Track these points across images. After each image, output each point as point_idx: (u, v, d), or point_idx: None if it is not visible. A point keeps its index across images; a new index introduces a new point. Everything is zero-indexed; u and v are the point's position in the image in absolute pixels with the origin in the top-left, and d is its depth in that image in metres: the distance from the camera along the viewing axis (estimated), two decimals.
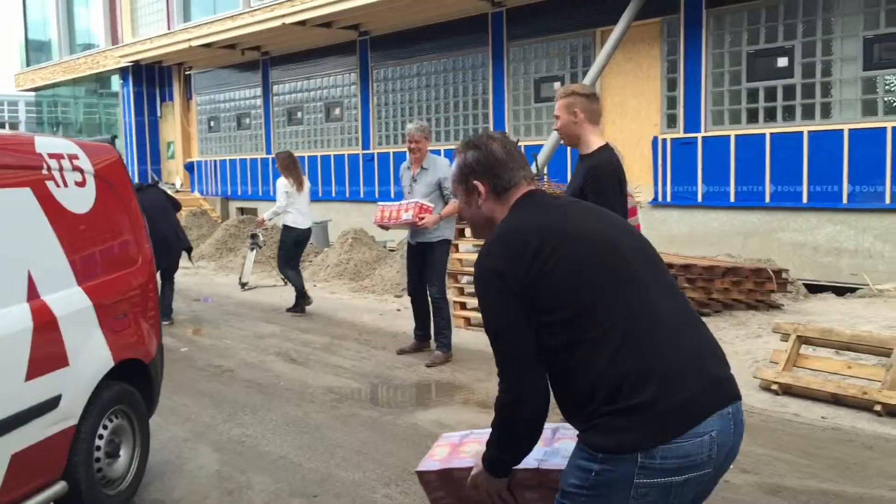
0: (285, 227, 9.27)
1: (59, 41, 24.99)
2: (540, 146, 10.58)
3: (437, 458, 2.52)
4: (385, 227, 7.12)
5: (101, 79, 23.60)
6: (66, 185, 3.82)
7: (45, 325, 3.50)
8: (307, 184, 9.46)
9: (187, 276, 11.67)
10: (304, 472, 4.57)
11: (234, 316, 9.37)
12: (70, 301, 3.72)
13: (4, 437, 3.25)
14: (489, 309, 2.11)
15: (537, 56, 12.61)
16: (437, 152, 12.37)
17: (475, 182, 2.26)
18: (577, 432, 2.08)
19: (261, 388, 6.29)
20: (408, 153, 7.19)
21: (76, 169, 3.93)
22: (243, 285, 11.31)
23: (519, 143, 11.40)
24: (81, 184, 3.96)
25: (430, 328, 7.16)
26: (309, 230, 9.50)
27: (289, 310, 9.32)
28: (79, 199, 3.92)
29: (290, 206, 9.13)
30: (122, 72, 21.39)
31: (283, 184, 9.21)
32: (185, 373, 6.64)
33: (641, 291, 2.06)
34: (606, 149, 4.32)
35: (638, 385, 1.95)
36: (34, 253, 3.58)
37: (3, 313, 3.31)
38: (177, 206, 9.16)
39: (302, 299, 9.31)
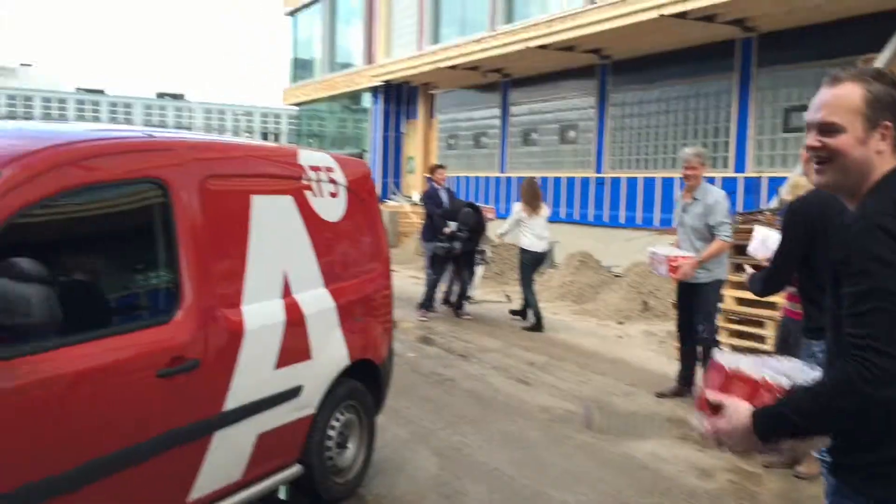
0: (522, 250, 9.67)
1: (321, 60, 27.17)
2: (784, 178, 10.01)
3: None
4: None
5: (354, 95, 25.35)
6: (321, 195, 4.20)
7: (295, 320, 3.88)
8: (544, 210, 9.90)
9: (418, 284, 12.23)
10: (516, 487, 4.67)
11: (460, 328, 9.71)
12: (317, 301, 4.08)
13: (254, 417, 3.64)
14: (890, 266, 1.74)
15: (789, 84, 11.94)
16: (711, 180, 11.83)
17: (887, 122, 1.89)
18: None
19: (480, 399, 6.47)
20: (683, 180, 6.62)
21: (331, 181, 4.31)
22: (468, 298, 11.66)
23: (761, 175, 10.90)
24: (335, 195, 4.33)
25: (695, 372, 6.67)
26: (542, 253, 9.99)
27: (524, 327, 9.71)
28: (331, 208, 4.29)
29: (524, 229, 9.54)
30: (374, 90, 22.85)
31: (516, 209, 9.84)
32: (410, 378, 6.99)
33: None
34: None
35: None
36: (290, 255, 3.98)
37: (263, 306, 3.70)
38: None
39: (538, 321, 9.65)
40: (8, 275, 2.52)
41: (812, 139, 1.94)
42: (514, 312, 10.19)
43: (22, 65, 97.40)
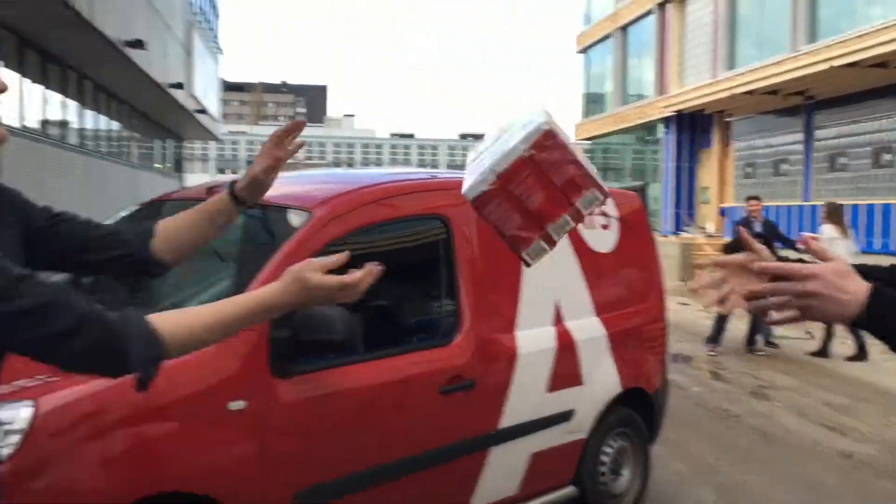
0: None
1: (612, 94, 27.36)
2: None
3: None
4: None
5: (648, 127, 25.15)
6: (593, 227, 4.37)
7: (566, 347, 4.07)
8: (850, 232, 9.78)
9: (708, 319, 11.85)
10: None
11: (752, 364, 9.26)
12: (588, 329, 4.24)
13: (527, 436, 3.88)
14: None
15: None
16: None
17: None
18: None
19: (767, 438, 6.18)
20: None
21: (603, 213, 4.47)
22: (767, 335, 11.05)
23: None
24: (606, 227, 4.48)
25: None
26: None
27: (847, 358, 9.31)
28: (603, 240, 4.44)
29: (839, 250, 9.25)
30: (666, 120, 22.53)
31: (827, 230, 9.50)
32: (694, 412, 6.84)
33: None
34: None
35: None
36: (562, 284, 4.18)
37: (536, 333, 3.95)
38: None
39: (861, 349, 9.21)
40: None
41: None
42: (814, 354, 9.59)
43: (345, 115, 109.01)
